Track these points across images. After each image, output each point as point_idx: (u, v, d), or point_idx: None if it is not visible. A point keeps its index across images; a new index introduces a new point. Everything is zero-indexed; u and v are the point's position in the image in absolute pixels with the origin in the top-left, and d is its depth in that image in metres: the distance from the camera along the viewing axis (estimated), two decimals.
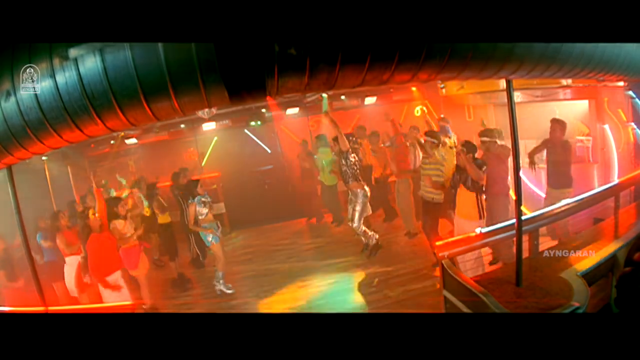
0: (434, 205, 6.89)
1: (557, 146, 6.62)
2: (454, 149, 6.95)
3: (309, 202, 10.64)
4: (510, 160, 6.63)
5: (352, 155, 7.47)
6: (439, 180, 6.76)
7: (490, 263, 6.36)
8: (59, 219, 6.82)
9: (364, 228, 7.64)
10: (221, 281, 7.31)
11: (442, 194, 6.80)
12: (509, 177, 6.64)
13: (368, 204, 7.66)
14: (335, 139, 7.54)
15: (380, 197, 9.26)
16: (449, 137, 7.58)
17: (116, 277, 6.21)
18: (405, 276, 6.95)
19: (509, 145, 6.67)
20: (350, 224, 7.63)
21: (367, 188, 7.58)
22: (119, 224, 6.53)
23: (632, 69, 5.13)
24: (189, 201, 7.23)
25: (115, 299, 6.02)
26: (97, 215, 6.14)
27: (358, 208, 7.51)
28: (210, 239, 7.21)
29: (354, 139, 8.64)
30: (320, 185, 9.90)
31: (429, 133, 6.99)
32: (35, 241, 7.02)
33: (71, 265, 6.78)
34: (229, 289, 7.31)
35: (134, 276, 6.69)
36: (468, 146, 6.09)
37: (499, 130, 7.12)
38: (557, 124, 6.66)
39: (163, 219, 8.11)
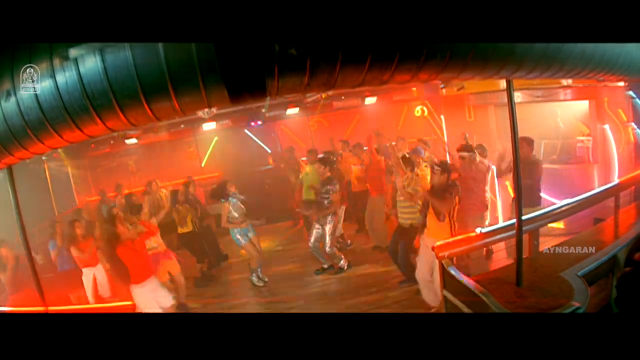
0: (407, 229, 6.58)
1: (525, 164, 6.25)
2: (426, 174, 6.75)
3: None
4: (488, 177, 6.70)
5: (336, 182, 7.53)
6: (412, 205, 6.44)
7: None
8: (75, 228, 6.72)
9: (334, 250, 7.65)
10: (254, 274, 7.56)
11: (417, 216, 6.38)
12: (486, 194, 6.65)
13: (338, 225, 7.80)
14: (322, 162, 7.55)
15: (356, 212, 9.34)
16: (422, 159, 7.38)
17: (153, 282, 6.00)
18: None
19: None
20: (310, 245, 7.70)
21: (339, 212, 7.69)
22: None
23: (632, 69, 5.13)
24: (222, 201, 7.38)
25: (151, 306, 5.88)
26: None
27: (328, 233, 7.52)
28: (242, 242, 7.40)
29: (335, 158, 8.67)
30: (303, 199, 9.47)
31: (403, 159, 6.67)
32: (36, 241, 7.02)
33: (87, 277, 6.75)
34: (260, 281, 7.56)
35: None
36: (443, 166, 5.76)
37: (482, 147, 7.09)
38: (524, 142, 6.40)
39: (187, 227, 8.07)
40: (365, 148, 8.98)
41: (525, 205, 6.12)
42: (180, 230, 8.03)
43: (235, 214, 7.35)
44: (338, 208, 7.68)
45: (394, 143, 7.79)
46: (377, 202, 8.13)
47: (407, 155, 7.01)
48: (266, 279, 7.63)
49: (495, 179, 7.27)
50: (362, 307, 6.30)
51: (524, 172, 6.25)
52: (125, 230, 5.88)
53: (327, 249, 7.59)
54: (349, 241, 8.78)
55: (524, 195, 6.19)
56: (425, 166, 6.96)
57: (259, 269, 7.60)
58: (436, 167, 5.76)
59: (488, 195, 6.92)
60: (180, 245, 8.34)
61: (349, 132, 11.67)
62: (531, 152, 6.53)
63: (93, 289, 6.71)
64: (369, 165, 8.50)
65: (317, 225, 7.59)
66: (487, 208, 6.79)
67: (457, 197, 5.65)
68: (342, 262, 7.67)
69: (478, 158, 6.73)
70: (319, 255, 7.74)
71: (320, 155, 8.26)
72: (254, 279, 7.55)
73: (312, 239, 7.64)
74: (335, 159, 8.64)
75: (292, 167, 10.16)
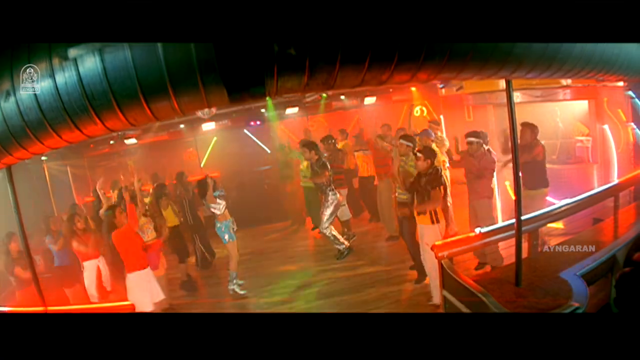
0: (405, 205, 6.62)
1: (529, 148, 6.56)
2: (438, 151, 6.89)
3: (291, 206, 10.72)
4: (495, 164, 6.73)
5: (324, 163, 7.52)
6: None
7: (476, 268, 6.43)
8: (75, 222, 6.63)
9: (334, 233, 7.69)
10: (234, 281, 7.23)
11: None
12: (493, 182, 6.69)
13: (340, 208, 7.80)
14: (307, 146, 7.59)
15: (365, 198, 9.47)
16: (432, 141, 7.45)
17: (147, 273, 5.93)
18: (402, 277, 6.98)
19: (503, 146, 6.78)
20: (320, 228, 7.70)
21: (338, 194, 7.62)
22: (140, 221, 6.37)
23: (631, 68, 5.13)
24: (209, 196, 7.08)
25: (144, 296, 5.80)
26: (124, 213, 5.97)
27: (327, 212, 7.57)
28: (227, 238, 7.15)
29: (333, 141, 8.67)
30: (303, 190, 9.63)
31: (404, 136, 6.81)
32: (35, 241, 6.97)
33: (90, 270, 6.66)
34: (241, 289, 7.24)
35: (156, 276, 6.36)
36: (426, 152, 5.80)
37: (484, 133, 7.16)
38: (527, 128, 6.60)
39: (172, 221, 7.91)
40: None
41: (536, 187, 6.53)
42: (168, 223, 7.73)
43: (222, 207, 7.14)
44: (334, 190, 7.66)
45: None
46: (385, 188, 8.17)
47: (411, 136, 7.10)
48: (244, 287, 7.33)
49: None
50: (361, 306, 6.30)
51: (529, 154, 6.50)
52: (123, 218, 5.85)
53: (321, 228, 7.65)
54: (351, 232, 8.57)
55: (533, 176, 6.53)
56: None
57: (236, 275, 7.27)
58: (419, 154, 5.81)
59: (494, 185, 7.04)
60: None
61: (348, 132, 11.67)
62: (534, 137, 6.63)
63: (97, 281, 6.64)
64: (375, 153, 8.53)
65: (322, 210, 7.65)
66: (493, 201, 6.82)
67: (441, 185, 5.66)
68: (342, 247, 7.70)
69: (486, 146, 6.78)
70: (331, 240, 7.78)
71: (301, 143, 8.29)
72: (235, 287, 7.20)
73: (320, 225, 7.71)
74: (331, 141, 8.68)
75: (286, 163, 10.31)
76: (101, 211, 6.96)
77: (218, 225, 7.19)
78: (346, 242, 7.81)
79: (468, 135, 6.66)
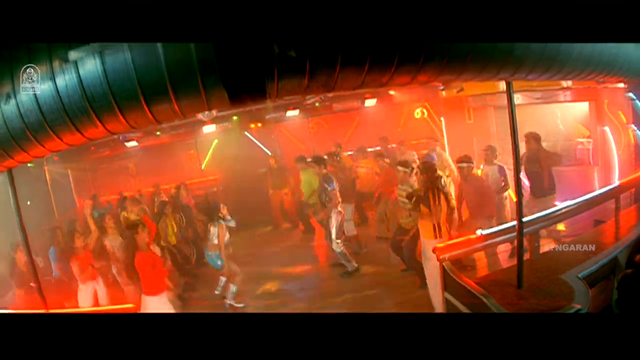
0: (404, 231, 6.74)
1: (535, 157, 6.65)
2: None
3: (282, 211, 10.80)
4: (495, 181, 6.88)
5: (334, 182, 7.48)
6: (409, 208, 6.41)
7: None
8: (74, 240, 6.35)
9: (344, 251, 7.53)
10: (231, 296, 7.11)
11: (413, 220, 6.42)
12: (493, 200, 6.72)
13: (343, 222, 7.73)
14: (317, 162, 7.55)
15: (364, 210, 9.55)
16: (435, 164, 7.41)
17: (164, 298, 5.76)
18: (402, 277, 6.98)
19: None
20: (330, 244, 7.58)
21: (340, 208, 7.53)
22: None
23: (631, 69, 5.13)
24: (215, 223, 7.00)
25: None
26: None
27: (333, 229, 7.44)
28: (220, 263, 7.02)
29: (338, 158, 8.71)
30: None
31: (401, 162, 6.83)
32: (36, 244, 6.96)
33: (86, 291, 6.40)
34: (238, 301, 7.13)
35: None
36: (422, 168, 5.92)
37: (492, 148, 7.20)
38: (531, 137, 6.70)
39: (172, 240, 7.89)
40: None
41: (546, 194, 6.73)
42: (163, 243, 7.74)
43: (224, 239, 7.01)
44: (338, 205, 7.55)
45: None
46: (390, 204, 8.05)
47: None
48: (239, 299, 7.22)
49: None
50: (360, 306, 6.30)
51: (535, 163, 6.66)
52: (145, 234, 5.66)
53: (333, 245, 7.46)
54: (362, 243, 8.51)
55: (543, 183, 6.72)
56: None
57: (236, 290, 7.14)
58: (416, 169, 6.01)
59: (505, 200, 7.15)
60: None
61: (349, 135, 11.68)
62: (538, 145, 6.74)
63: (93, 304, 6.40)
64: (381, 173, 8.55)
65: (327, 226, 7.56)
66: (493, 216, 6.76)
67: (443, 199, 5.69)
68: (350, 266, 7.51)
69: (498, 163, 7.00)
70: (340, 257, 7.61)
71: (309, 159, 8.28)
72: (232, 301, 7.09)
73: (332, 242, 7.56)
74: (336, 158, 8.63)
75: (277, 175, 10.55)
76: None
77: (209, 253, 7.13)
78: (355, 264, 7.56)
79: (458, 161, 6.74)
